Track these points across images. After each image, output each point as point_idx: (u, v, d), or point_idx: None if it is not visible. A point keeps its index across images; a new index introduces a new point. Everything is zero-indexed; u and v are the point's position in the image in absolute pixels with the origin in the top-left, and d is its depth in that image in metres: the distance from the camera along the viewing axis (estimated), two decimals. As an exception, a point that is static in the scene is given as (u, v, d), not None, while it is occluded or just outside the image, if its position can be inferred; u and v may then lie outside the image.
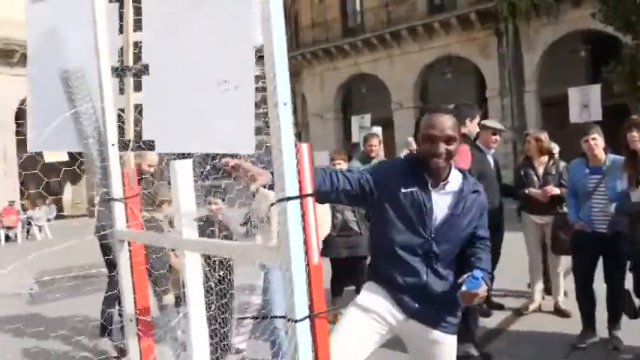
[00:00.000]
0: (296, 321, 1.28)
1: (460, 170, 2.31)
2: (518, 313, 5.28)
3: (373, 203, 2.21)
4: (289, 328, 1.30)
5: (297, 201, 1.25)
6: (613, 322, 4.29)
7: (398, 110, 22.08)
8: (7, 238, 16.41)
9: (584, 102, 15.36)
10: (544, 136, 5.25)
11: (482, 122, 5.40)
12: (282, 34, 1.24)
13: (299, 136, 30.35)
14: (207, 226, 3.89)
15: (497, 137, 5.26)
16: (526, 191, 5.12)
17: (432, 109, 2.30)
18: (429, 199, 2.16)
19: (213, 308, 3.59)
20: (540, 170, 5.18)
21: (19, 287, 7.78)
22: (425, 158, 2.17)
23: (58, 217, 16.66)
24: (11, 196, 18.58)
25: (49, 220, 16.30)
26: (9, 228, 16.44)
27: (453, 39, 20.55)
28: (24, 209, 17.89)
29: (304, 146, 1.32)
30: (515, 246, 5.58)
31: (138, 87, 2.15)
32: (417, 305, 2.19)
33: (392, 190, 2.16)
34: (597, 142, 4.22)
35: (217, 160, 2.22)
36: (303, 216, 1.30)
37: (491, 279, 2.19)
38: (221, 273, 3.53)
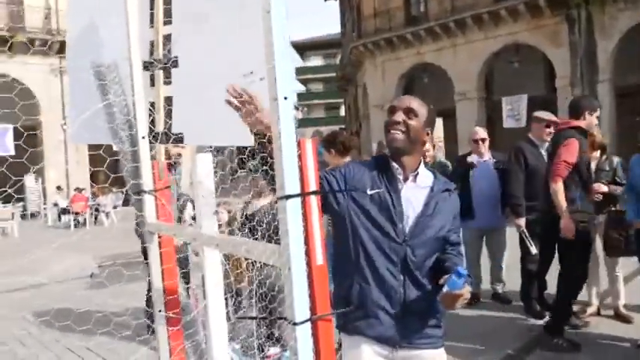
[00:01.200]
0: (295, 323, 1.23)
1: (430, 169, 2.17)
2: (575, 316, 5.02)
3: (338, 211, 2.02)
4: (290, 331, 1.26)
5: (298, 199, 1.20)
6: None
7: (461, 101, 21.48)
8: (77, 224, 17.35)
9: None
10: (596, 129, 4.93)
11: (534, 114, 5.16)
12: (283, 25, 1.19)
13: (359, 126, 30.17)
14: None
15: (551, 129, 5.01)
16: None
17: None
18: (397, 197, 2.01)
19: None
20: (592, 166, 4.83)
21: (83, 270, 8.22)
22: (386, 134, 2.07)
23: (125, 203, 17.42)
24: (83, 184, 19.64)
25: (115, 207, 17.06)
26: (77, 214, 17.35)
27: (520, 26, 19.69)
28: (93, 196, 18.85)
29: (307, 141, 1.26)
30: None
31: (169, 80, 2.17)
32: (399, 329, 1.99)
33: (359, 193, 2.01)
34: None
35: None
36: (305, 215, 1.25)
37: (470, 283, 1.96)
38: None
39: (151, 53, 2.15)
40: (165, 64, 2.10)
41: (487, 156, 5.66)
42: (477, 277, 5.78)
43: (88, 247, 11.01)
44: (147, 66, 2.12)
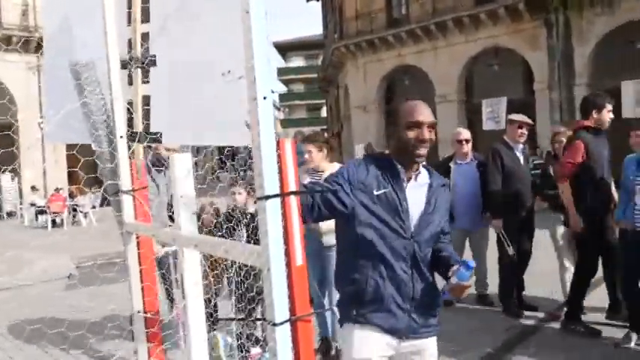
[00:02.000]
0: (275, 324, 1.23)
1: (424, 166, 2.21)
2: (552, 315, 5.09)
3: (346, 213, 2.06)
4: (269, 332, 1.25)
5: (277, 199, 1.19)
6: None
7: (442, 103, 21.65)
8: (54, 224, 17.06)
9: (639, 96, 14.65)
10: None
11: (509, 116, 5.24)
12: (262, 25, 1.18)
13: (341, 127, 30.22)
14: (228, 219, 3.88)
15: (524, 131, 5.10)
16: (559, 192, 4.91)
17: (409, 99, 2.20)
18: (404, 197, 2.07)
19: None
20: None
21: (60, 271, 8.08)
22: (409, 147, 2.07)
23: (103, 204, 17.19)
24: (60, 184, 19.31)
25: (94, 207, 16.82)
26: (55, 214, 17.06)
27: (500, 30, 19.96)
28: (71, 196, 18.55)
29: (287, 142, 1.25)
30: (546, 246, 5.38)
31: (146, 79, 2.15)
32: (409, 321, 2.11)
33: (366, 194, 2.06)
34: None
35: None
36: (285, 215, 1.24)
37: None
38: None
39: (129, 52, 2.12)
40: (143, 62, 2.08)
41: (470, 157, 5.70)
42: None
43: (66, 248, 10.85)
44: (124, 64, 2.09)
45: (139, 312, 2.23)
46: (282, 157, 1.21)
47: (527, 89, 20.04)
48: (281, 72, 53.09)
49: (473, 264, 1.98)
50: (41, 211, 17.71)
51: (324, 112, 46.21)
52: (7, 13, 22.19)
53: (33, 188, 20.21)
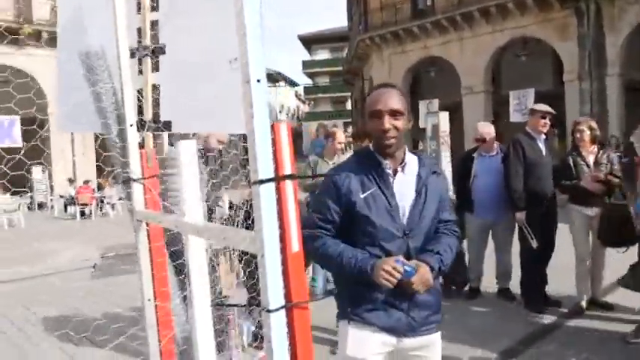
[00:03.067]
0: (269, 310, 1.21)
1: (414, 152, 2.13)
2: (575, 310, 4.99)
3: (338, 223, 2.04)
4: (264, 318, 1.24)
5: (271, 184, 1.18)
6: None
7: (468, 95, 21.32)
8: (83, 215, 17.43)
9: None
10: (595, 124, 4.95)
11: (531, 106, 5.12)
12: (256, 6, 1.16)
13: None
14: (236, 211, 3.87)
15: (547, 121, 4.98)
16: (579, 183, 4.81)
17: (375, 86, 2.13)
18: (391, 193, 1.99)
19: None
20: (590, 160, 4.87)
21: (85, 261, 8.25)
22: (375, 139, 2.02)
23: (131, 195, 17.44)
24: (89, 175, 19.69)
25: (120, 198, 17.07)
26: (84, 205, 17.43)
27: (528, 20, 19.49)
28: (100, 188, 18.91)
29: (282, 125, 1.23)
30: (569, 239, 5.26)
31: (156, 67, 2.15)
32: (407, 320, 2.02)
33: (352, 198, 1.99)
34: None
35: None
36: (280, 200, 1.22)
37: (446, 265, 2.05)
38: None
39: (139, 40, 2.12)
40: (153, 51, 2.08)
41: (495, 150, 5.60)
42: (479, 271, 5.74)
43: (93, 238, 11.07)
44: (134, 53, 2.10)
45: (149, 300, 2.25)
46: (277, 141, 1.19)
47: (557, 80, 19.57)
48: (306, 65, 53.00)
49: (411, 268, 1.91)
50: (70, 202, 18.11)
51: (348, 105, 46.03)
52: (38, 10, 22.62)
53: (70, 180, 20.57)
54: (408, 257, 1.98)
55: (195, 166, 1.77)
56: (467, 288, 5.79)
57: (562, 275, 5.59)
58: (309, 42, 52.45)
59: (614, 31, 17.44)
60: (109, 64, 2.17)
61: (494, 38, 20.62)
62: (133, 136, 2.16)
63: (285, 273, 1.24)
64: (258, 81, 1.16)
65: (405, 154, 2.07)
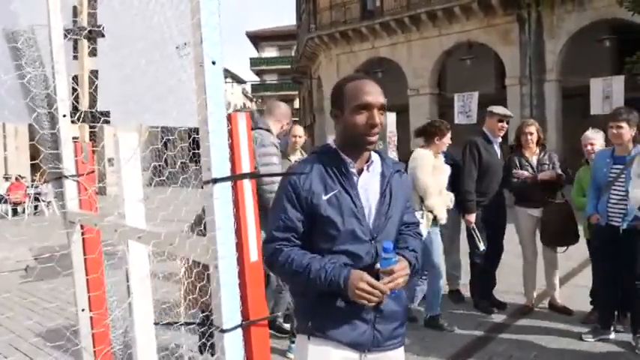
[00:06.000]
0: (223, 330, 1.05)
1: (375, 151, 1.96)
2: (522, 311, 5.05)
3: (301, 228, 1.85)
4: (217, 340, 1.08)
5: (227, 183, 1.01)
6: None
7: (414, 96, 21.62)
8: (15, 213, 16.44)
9: (607, 93, 14.88)
10: (536, 127, 5.07)
11: (489, 108, 5.13)
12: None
13: (313, 119, 29.98)
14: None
15: (505, 124, 5.00)
16: (516, 173, 4.98)
17: (352, 76, 1.94)
18: (356, 194, 1.83)
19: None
20: (534, 160, 5.00)
21: (18, 262, 7.72)
22: (357, 134, 1.81)
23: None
24: (22, 171, 18.63)
25: (56, 196, 16.22)
26: (16, 203, 16.45)
27: (473, 24, 19.94)
28: (34, 185, 17.91)
29: (240, 116, 1.07)
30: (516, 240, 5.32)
31: (94, 52, 1.93)
32: (372, 334, 1.85)
33: (315, 201, 1.80)
34: (623, 130, 3.94)
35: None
36: (237, 202, 1.06)
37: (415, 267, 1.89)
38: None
39: (74, 20, 1.90)
40: (90, 32, 1.86)
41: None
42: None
43: (25, 239, 10.42)
44: (68, 34, 1.87)
45: (83, 310, 2.02)
46: (234, 133, 1.03)
47: (499, 84, 20.14)
48: (254, 62, 52.44)
49: (389, 245, 1.73)
50: (1, 200, 17.06)
51: (297, 104, 45.88)
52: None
53: (6, 178, 19.31)
54: (375, 261, 1.82)
55: (137, 163, 1.58)
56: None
57: (509, 275, 5.66)
58: (257, 39, 51.95)
59: (554, 38, 18.10)
60: (39, 46, 1.92)
61: (440, 41, 20.99)
62: (65, 128, 1.94)
63: (242, 286, 1.07)
64: (214, 63, 1.00)
65: (370, 152, 1.93)
